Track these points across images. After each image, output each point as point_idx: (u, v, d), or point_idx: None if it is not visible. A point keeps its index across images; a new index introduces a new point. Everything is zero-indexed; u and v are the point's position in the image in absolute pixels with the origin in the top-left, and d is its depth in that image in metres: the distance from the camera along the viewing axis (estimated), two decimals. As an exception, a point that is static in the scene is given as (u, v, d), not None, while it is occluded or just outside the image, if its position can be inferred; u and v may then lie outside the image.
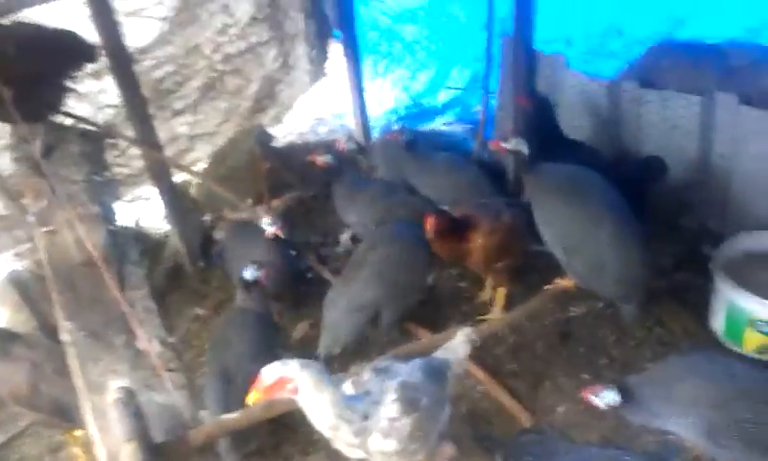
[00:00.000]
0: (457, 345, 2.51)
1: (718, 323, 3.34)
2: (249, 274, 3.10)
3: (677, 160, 3.95)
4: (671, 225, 4.11)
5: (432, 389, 2.24)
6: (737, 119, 3.58)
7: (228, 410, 2.75)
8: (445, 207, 3.54)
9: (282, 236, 3.46)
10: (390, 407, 2.06)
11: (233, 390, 2.88)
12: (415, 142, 4.24)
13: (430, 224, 3.10)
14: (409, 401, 2.09)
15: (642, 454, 2.86)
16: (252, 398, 1.96)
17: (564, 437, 3.03)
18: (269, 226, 3.41)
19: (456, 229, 3.18)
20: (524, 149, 3.08)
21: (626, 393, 2.51)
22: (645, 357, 3.34)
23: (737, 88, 3.63)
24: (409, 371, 2.25)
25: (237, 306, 3.21)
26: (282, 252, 3.70)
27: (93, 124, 4.26)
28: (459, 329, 2.56)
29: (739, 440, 2.37)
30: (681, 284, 3.72)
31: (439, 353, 2.52)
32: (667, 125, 3.92)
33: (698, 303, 3.50)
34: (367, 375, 2.20)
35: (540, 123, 3.95)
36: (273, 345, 3.14)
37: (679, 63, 4.03)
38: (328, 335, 3.30)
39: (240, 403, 2.72)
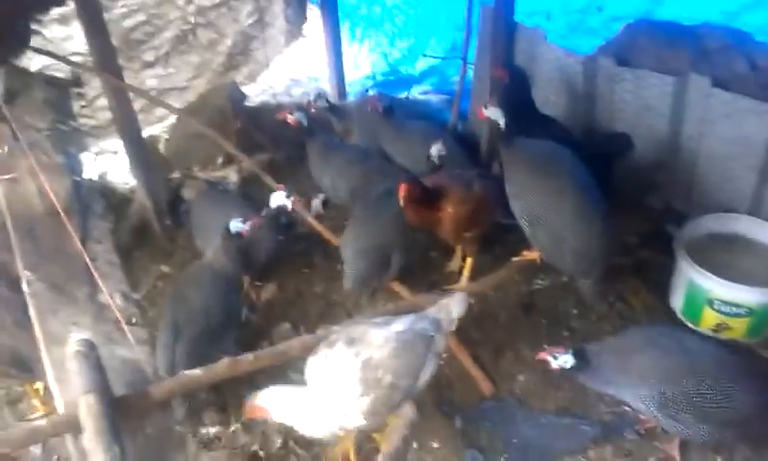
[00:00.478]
0: (452, 304, 2.64)
1: (678, 300, 3.42)
2: (234, 225, 3.09)
3: (647, 140, 4.01)
4: (637, 203, 4.18)
5: (398, 363, 2.37)
6: (708, 102, 3.63)
7: (172, 362, 2.83)
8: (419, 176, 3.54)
9: (292, 209, 3.45)
10: (353, 387, 2.28)
11: (180, 343, 2.90)
12: (392, 109, 4.20)
13: (402, 191, 3.09)
14: (370, 382, 2.29)
15: (598, 423, 2.95)
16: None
17: (523, 405, 3.10)
18: (284, 198, 3.33)
19: (428, 197, 3.18)
20: (501, 120, 3.09)
21: (582, 359, 2.57)
22: (605, 331, 3.42)
23: (711, 71, 3.67)
24: (380, 343, 2.38)
25: (202, 263, 3.17)
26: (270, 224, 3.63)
27: (74, 64, 4.11)
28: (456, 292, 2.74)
29: (689, 413, 2.46)
30: (643, 261, 3.81)
31: (432, 310, 2.65)
32: (640, 104, 3.96)
33: (659, 281, 3.59)
34: (339, 346, 2.39)
35: (514, 95, 3.94)
36: (231, 304, 3.14)
37: (655, 43, 4.05)
38: (350, 272, 3.43)
39: (185, 357, 2.85)
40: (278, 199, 3.29)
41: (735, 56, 3.85)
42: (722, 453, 2.78)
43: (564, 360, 2.57)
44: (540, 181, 2.99)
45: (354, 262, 3.43)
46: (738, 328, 3.21)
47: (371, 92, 4.31)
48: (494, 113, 3.12)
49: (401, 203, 3.13)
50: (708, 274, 3.17)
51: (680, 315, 3.43)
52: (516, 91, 3.96)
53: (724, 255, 3.45)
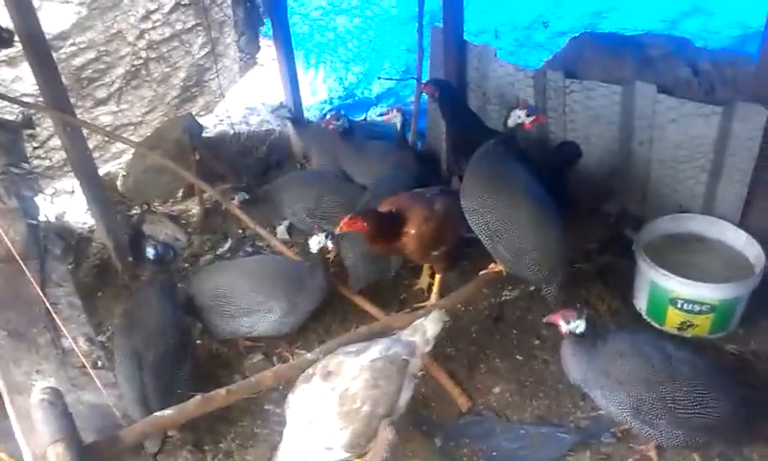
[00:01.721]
0: (427, 324, 2.66)
1: (642, 302, 3.51)
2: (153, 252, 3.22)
3: (599, 148, 4.13)
4: (595, 210, 4.28)
5: (375, 393, 2.40)
6: (655, 108, 3.76)
7: (142, 392, 2.77)
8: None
9: (334, 252, 3.47)
10: (332, 421, 2.33)
11: (146, 370, 2.84)
12: (350, 130, 4.23)
13: (361, 231, 3.09)
14: (348, 414, 2.34)
15: (575, 429, 2.98)
16: None
17: (501, 417, 3.12)
18: (324, 239, 3.31)
19: (387, 224, 3.18)
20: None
21: (592, 329, 2.64)
22: (574, 337, 3.47)
23: (656, 78, 3.81)
24: (356, 373, 2.42)
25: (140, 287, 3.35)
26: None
27: (25, 104, 4.04)
28: (434, 311, 2.76)
29: (664, 419, 2.52)
30: (605, 267, 3.90)
31: (406, 333, 2.67)
32: (590, 114, 4.08)
33: (622, 284, 3.68)
34: (316, 381, 2.42)
35: (453, 109, 4.03)
36: (177, 315, 3.18)
37: (600, 54, 4.20)
38: (352, 276, 3.65)
39: (153, 381, 2.82)
40: (318, 241, 3.31)
41: (678, 62, 4.01)
42: (698, 450, 2.83)
43: (575, 325, 2.62)
44: (495, 194, 3.02)
45: (357, 265, 3.60)
46: (702, 325, 3.31)
47: (328, 114, 4.34)
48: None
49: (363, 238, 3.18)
50: (670, 274, 3.27)
51: (645, 316, 3.51)
52: (453, 104, 4.05)
53: (682, 255, 3.56)
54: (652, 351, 2.61)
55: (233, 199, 4.05)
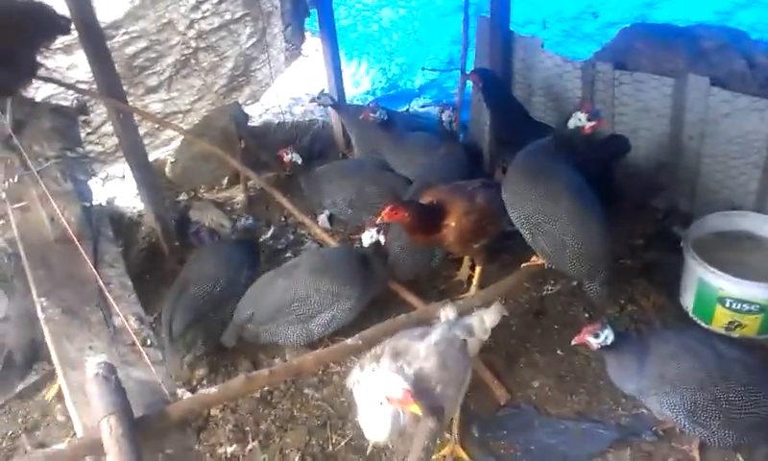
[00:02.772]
0: (486, 314, 2.71)
1: (688, 300, 3.43)
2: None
3: (648, 142, 4.04)
4: (642, 205, 4.20)
5: (446, 375, 2.39)
6: (708, 101, 3.66)
7: (170, 314, 3.32)
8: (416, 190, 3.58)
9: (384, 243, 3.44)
10: None
11: (183, 297, 3.35)
12: (390, 121, 4.24)
13: (402, 222, 3.11)
14: (422, 393, 2.26)
15: (615, 426, 2.94)
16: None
17: (540, 411, 3.10)
18: (376, 234, 3.33)
19: (427, 217, 3.19)
20: None
21: (620, 335, 2.58)
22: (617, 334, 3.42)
23: (708, 70, 3.71)
24: (425, 354, 2.40)
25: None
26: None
27: (80, 91, 4.19)
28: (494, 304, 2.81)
29: (716, 419, 2.46)
30: (651, 263, 3.82)
31: (468, 319, 2.71)
32: (640, 106, 3.99)
33: (668, 281, 3.60)
34: (385, 361, 2.38)
35: (497, 99, 3.99)
36: (237, 272, 3.49)
37: (651, 46, 4.10)
38: (397, 267, 3.63)
39: (183, 309, 3.29)
40: (370, 236, 3.33)
41: (732, 54, 3.89)
42: (742, 451, 2.77)
43: (604, 336, 2.56)
44: (536, 187, 3.00)
45: (400, 255, 3.61)
46: (751, 325, 3.22)
47: (367, 107, 4.35)
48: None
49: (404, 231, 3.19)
50: (720, 272, 3.18)
51: (691, 314, 3.43)
52: (497, 95, 4.01)
53: (731, 253, 3.46)
54: (704, 351, 2.55)
55: (287, 154, 4.04)
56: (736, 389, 2.44)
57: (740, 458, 2.76)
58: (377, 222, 3.23)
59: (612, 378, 2.72)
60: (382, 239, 3.32)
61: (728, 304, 3.21)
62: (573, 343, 2.69)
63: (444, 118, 3.94)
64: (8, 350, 3.19)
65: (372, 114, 4.18)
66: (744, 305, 3.17)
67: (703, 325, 3.37)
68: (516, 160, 3.08)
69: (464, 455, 2.89)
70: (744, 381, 2.46)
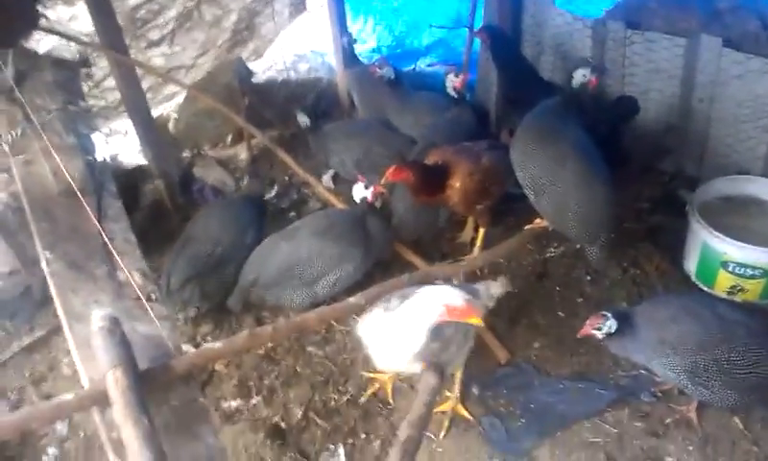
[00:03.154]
0: (493, 286, 2.76)
1: (692, 264, 3.43)
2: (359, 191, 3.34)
3: (658, 104, 3.98)
4: (649, 168, 4.16)
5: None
6: (720, 62, 3.59)
7: (171, 267, 3.40)
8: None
9: (377, 202, 3.40)
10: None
11: (185, 251, 3.42)
12: (396, 79, 4.18)
13: (406, 181, 3.10)
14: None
15: (614, 387, 2.97)
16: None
17: (539, 371, 3.13)
18: (364, 189, 3.31)
19: (432, 175, 3.17)
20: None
21: (623, 321, 2.60)
22: (619, 296, 3.44)
23: (722, 31, 3.63)
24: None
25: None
26: None
27: (82, 43, 4.14)
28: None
29: (718, 380, 2.49)
30: (656, 226, 3.81)
31: (475, 284, 2.77)
32: (650, 67, 3.93)
33: (673, 245, 3.59)
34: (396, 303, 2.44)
35: (506, 58, 3.92)
36: (242, 233, 3.51)
37: (664, 5, 4.01)
38: (401, 227, 3.63)
39: (184, 264, 3.36)
40: (360, 191, 3.31)
41: (747, 15, 3.80)
42: (738, 413, 2.80)
43: (608, 327, 2.59)
44: (542, 148, 2.97)
45: (405, 215, 3.60)
46: (753, 290, 3.22)
47: (374, 60, 4.27)
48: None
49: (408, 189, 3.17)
50: (723, 236, 3.17)
51: (694, 279, 3.43)
52: (506, 54, 3.94)
53: (737, 218, 3.44)
54: (704, 313, 2.57)
55: (326, 174, 4.11)
56: (738, 349, 2.46)
57: (737, 420, 2.80)
58: (382, 182, 3.21)
59: (615, 352, 2.76)
60: (370, 195, 3.29)
61: (731, 269, 3.21)
62: (579, 336, 2.70)
63: (447, 84, 3.84)
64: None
65: (379, 70, 4.11)
66: (747, 270, 3.17)
67: (705, 289, 3.37)
68: (524, 121, 3.05)
69: (464, 412, 2.94)
70: (745, 342, 2.48)
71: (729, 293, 3.28)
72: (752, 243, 3.14)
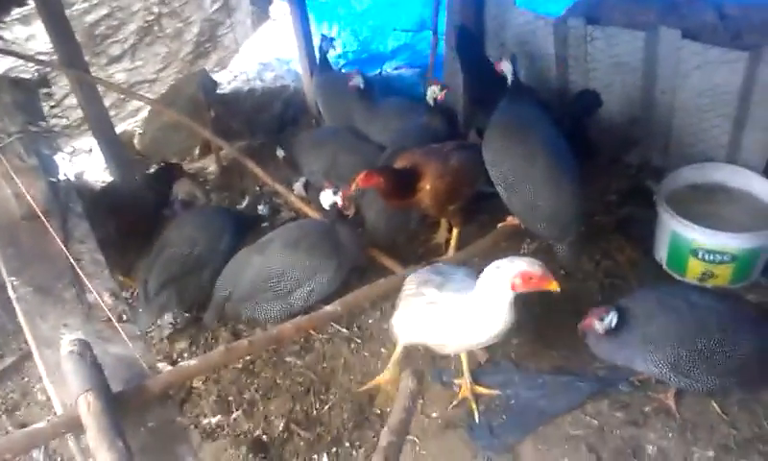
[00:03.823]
0: None
1: (662, 253, 3.48)
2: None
3: (621, 97, 4.04)
4: (615, 160, 4.22)
5: None
6: (679, 54, 3.66)
7: (150, 273, 3.40)
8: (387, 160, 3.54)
9: (346, 209, 3.39)
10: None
11: (160, 258, 3.42)
12: (367, 88, 4.15)
13: (376, 187, 3.10)
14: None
15: (593, 379, 3.00)
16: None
17: (519, 367, 3.14)
18: (332, 195, 3.28)
19: (402, 182, 3.17)
20: (509, 75, 3.22)
21: (623, 315, 2.62)
22: (593, 289, 3.48)
23: (680, 23, 3.70)
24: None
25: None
26: None
27: (41, 62, 4.05)
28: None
29: (699, 369, 2.53)
30: (626, 218, 3.86)
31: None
32: (612, 61, 3.98)
33: (643, 236, 3.64)
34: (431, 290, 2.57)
35: (471, 59, 3.94)
36: (218, 238, 3.49)
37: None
38: (373, 232, 3.66)
39: (159, 269, 3.38)
40: (328, 197, 3.29)
41: (703, 7, 3.88)
42: (716, 397, 2.85)
43: (610, 319, 2.60)
44: (513, 146, 2.99)
45: (376, 220, 3.61)
46: (723, 275, 3.28)
47: (352, 74, 4.24)
48: (507, 68, 3.19)
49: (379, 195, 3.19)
50: (691, 224, 3.23)
51: (665, 267, 3.49)
52: (471, 54, 3.96)
53: (705, 205, 3.51)
54: (680, 305, 2.60)
55: (298, 182, 4.07)
56: (714, 337, 2.50)
57: (714, 404, 2.84)
58: (352, 188, 3.19)
59: (599, 355, 2.78)
60: (339, 201, 3.27)
61: (700, 256, 3.26)
62: (579, 327, 2.71)
63: (428, 94, 3.82)
64: None
65: (351, 81, 4.09)
66: (716, 256, 3.23)
67: (677, 277, 3.43)
68: (494, 119, 3.08)
69: (481, 389, 3.00)
70: (720, 329, 2.52)
71: (700, 279, 3.34)
72: (720, 229, 3.20)
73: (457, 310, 2.47)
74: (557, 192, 2.96)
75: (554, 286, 2.26)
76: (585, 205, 3.16)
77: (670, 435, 2.77)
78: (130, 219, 3.91)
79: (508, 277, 2.27)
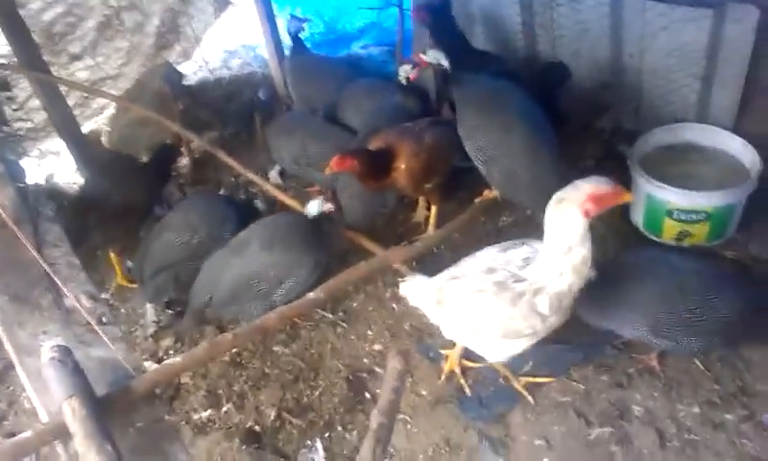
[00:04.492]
0: None
1: (638, 216, 3.52)
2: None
3: (590, 62, 4.05)
4: (588, 127, 4.24)
5: None
6: (645, 16, 3.66)
7: (146, 257, 3.45)
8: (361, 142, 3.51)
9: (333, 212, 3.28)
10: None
11: (158, 242, 3.42)
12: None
13: (351, 170, 3.07)
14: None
15: (578, 346, 3.03)
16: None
17: (505, 339, 3.16)
18: (321, 204, 3.19)
19: (376, 161, 3.15)
20: (444, 61, 3.07)
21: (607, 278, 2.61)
22: (573, 255, 3.49)
23: (643, -16, 3.70)
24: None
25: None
26: None
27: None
28: None
29: (679, 330, 2.57)
30: (602, 183, 3.88)
31: None
32: (579, 28, 3.98)
33: (619, 200, 3.66)
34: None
35: (443, 33, 3.91)
36: (224, 219, 3.45)
37: (587, -35, 4.05)
38: (349, 214, 3.53)
39: (150, 258, 3.42)
40: (317, 206, 3.19)
41: (666, -33, 3.89)
42: (698, 355, 2.90)
43: None
44: (488, 118, 2.99)
45: (351, 204, 3.51)
46: (699, 234, 3.33)
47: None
48: (435, 56, 3.10)
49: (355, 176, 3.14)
50: (664, 185, 3.26)
51: (642, 229, 3.53)
52: (443, 28, 3.93)
53: (678, 166, 3.54)
54: (661, 269, 2.63)
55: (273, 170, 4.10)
56: (693, 299, 2.54)
57: (697, 362, 2.90)
58: (326, 171, 3.15)
59: (586, 319, 2.79)
60: (329, 208, 3.18)
61: (675, 216, 3.30)
62: None
63: (400, 73, 3.76)
64: None
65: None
66: (691, 215, 3.27)
67: (654, 238, 3.47)
68: (467, 93, 3.06)
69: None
70: (701, 290, 2.56)
71: (676, 240, 3.38)
72: (695, 189, 3.24)
73: (544, 272, 2.25)
74: (536, 159, 2.97)
75: (628, 197, 2.14)
76: (563, 171, 3.17)
77: (655, 394, 2.82)
78: (131, 195, 3.77)
79: (577, 204, 2.09)
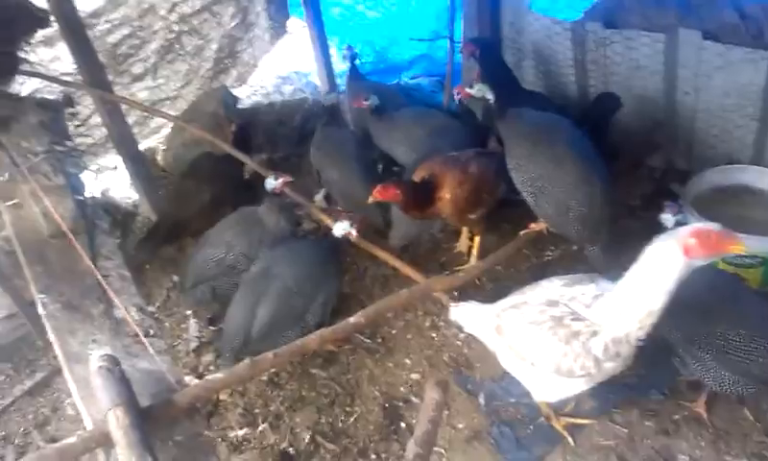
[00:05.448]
0: None
1: (689, 257, 3.42)
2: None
3: (642, 100, 4.00)
4: (639, 165, 4.18)
5: None
6: (701, 55, 3.61)
7: (187, 268, 3.54)
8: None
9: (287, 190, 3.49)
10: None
11: (198, 255, 3.50)
12: (382, 108, 4.12)
13: (394, 200, 3.10)
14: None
15: (622, 387, 2.94)
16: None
17: (545, 376, 3.10)
18: (348, 227, 3.21)
19: (420, 193, 3.16)
20: (489, 95, 3.08)
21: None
22: (619, 295, 3.42)
23: (700, 24, 3.66)
24: None
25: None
26: None
27: (65, 83, 4.14)
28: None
29: (712, 351, 2.49)
30: (650, 223, 3.80)
31: None
32: (632, 65, 3.95)
33: (669, 240, 3.58)
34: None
35: (491, 66, 3.93)
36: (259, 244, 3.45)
37: (640, 2, 4.04)
38: (396, 231, 3.64)
39: (199, 264, 3.47)
40: (342, 228, 3.22)
41: (723, 6, 3.83)
42: (749, 405, 2.79)
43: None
44: (539, 150, 2.97)
45: (399, 223, 3.59)
46: (753, 278, 3.22)
47: (363, 97, 4.19)
48: (481, 89, 3.10)
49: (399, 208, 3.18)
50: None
51: (692, 272, 3.42)
52: (492, 63, 3.95)
53: (731, 208, 3.45)
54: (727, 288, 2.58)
55: (318, 194, 4.08)
56: (748, 331, 2.43)
57: (747, 411, 2.78)
58: (369, 200, 3.17)
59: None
60: (354, 232, 3.18)
61: (728, 259, 3.20)
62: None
63: (454, 96, 3.78)
64: None
65: (365, 102, 4.00)
66: (745, 259, 3.17)
67: (704, 281, 3.36)
68: (517, 126, 3.06)
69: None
70: (761, 326, 2.45)
71: (730, 284, 3.27)
72: (747, 232, 3.13)
73: (606, 315, 2.14)
74: (589, 192, 2.93)
75: (741, 248, 1.87)
76: (614, 206, 3.12)
77: (702, 444, 2.71)
78: (221, 188, 4.03)
79: (680, 237, 1.88)
